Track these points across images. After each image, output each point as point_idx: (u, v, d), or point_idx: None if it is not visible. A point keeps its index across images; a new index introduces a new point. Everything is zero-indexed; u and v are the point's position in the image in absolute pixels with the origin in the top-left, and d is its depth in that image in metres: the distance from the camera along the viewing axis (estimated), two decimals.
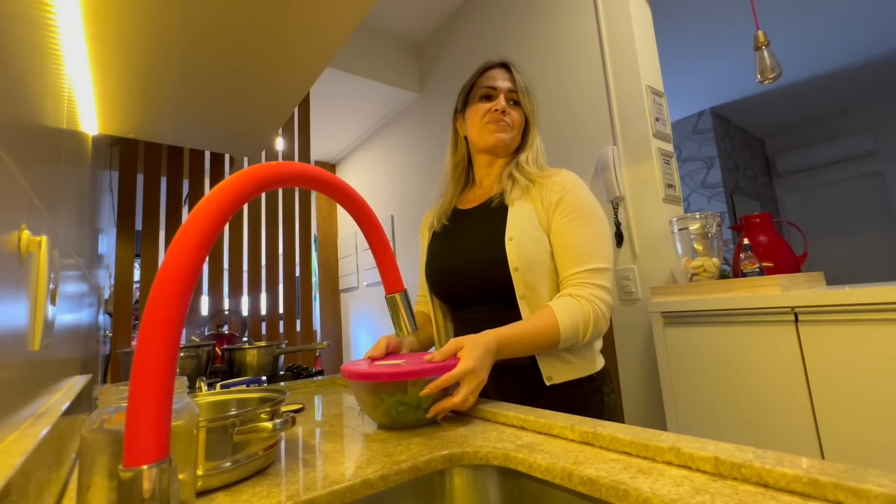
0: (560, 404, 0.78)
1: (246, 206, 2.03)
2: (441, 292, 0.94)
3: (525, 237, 0.83)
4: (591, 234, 0.82)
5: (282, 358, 1.41)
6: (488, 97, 0.93)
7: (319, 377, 1.12)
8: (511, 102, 0.92)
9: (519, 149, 0.95)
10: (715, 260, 1.33)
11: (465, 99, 0.97)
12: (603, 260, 0.81)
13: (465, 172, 1.01)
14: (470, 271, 0.88)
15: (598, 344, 0.87)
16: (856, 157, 4.16)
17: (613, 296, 1.57)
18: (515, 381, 0.84)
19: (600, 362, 0.86)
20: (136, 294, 1.79)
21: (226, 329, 1.69)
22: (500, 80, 0.93)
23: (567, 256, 0.81)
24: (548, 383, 0.80)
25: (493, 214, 0.89)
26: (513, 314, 0.82)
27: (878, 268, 3.99)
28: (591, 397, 0.83)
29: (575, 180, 0.87)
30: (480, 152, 0.96)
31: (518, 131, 0.93)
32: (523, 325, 0.75)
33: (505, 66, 0.96)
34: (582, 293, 0.78)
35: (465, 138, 0.99)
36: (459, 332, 0.93)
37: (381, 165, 3.16)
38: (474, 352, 0.65)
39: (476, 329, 0.87)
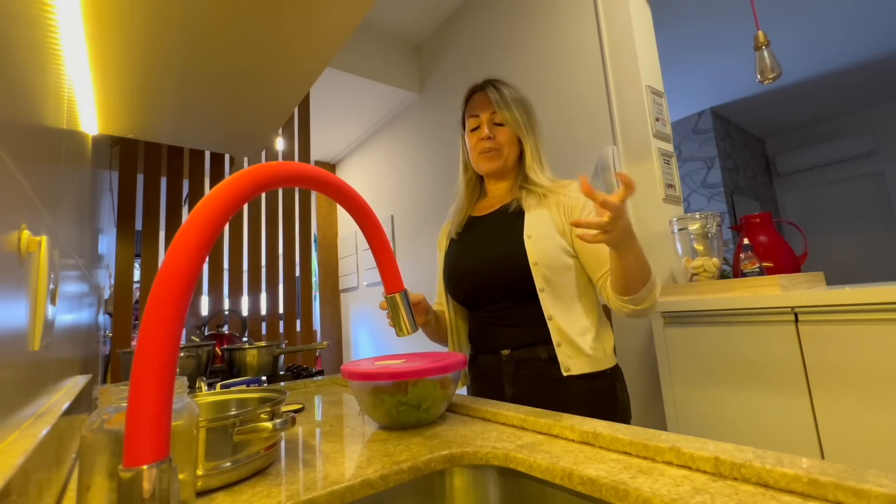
0: (573, 397, 0.83)
1: (246, 206, 2.03)
2: (459, 292, 0.97)
3: (543, 236, 0.87)
4: None
5: (282, 358, 1.40)
6: (476, 127, 0.97)
7: (319, 377, 1.12)
8: (494, 124, 0.96)
9: (522, 160, 0.99)
10: (715, 260, 1.33)
11: (462, 125, 1.03)
12: None
13: (477, 186, 1.07)
14: (489, 268, 0.92)
15: (612, 342, 0.89)
16: (856, 157, 4.16)
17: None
18: (531, 372, 0.87)
19: (614, 360, 0.88)
20: (136, 294, 1.79)
21: (226, 329, 1.69)
22: (481, 106, 0.97)
23: (605, 255, 0.84)
24: (565, 374, 0.83)
25: (511, 218, 0.94)
26: (530, 308, 0.87)
27: (878, 268, 3.99)
28: (605, 392, 0.85)
29: None
30: (485, 175, 1.02)
31: (510, 147, 0.96)
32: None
33: (484, 87, 0.99)
34: None
35: None
36: (476, 331, 0.97)
37: (381, 165, 3.15)
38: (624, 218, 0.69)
39: (493, 326, 0.93)
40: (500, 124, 0.96)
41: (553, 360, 0.84)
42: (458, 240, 1.01)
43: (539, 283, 0.85)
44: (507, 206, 0.96)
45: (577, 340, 0.83)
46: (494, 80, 0.99)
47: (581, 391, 0.83)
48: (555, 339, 0.84)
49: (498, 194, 1.01)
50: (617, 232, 0.67)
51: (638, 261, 0.75)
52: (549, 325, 0.84)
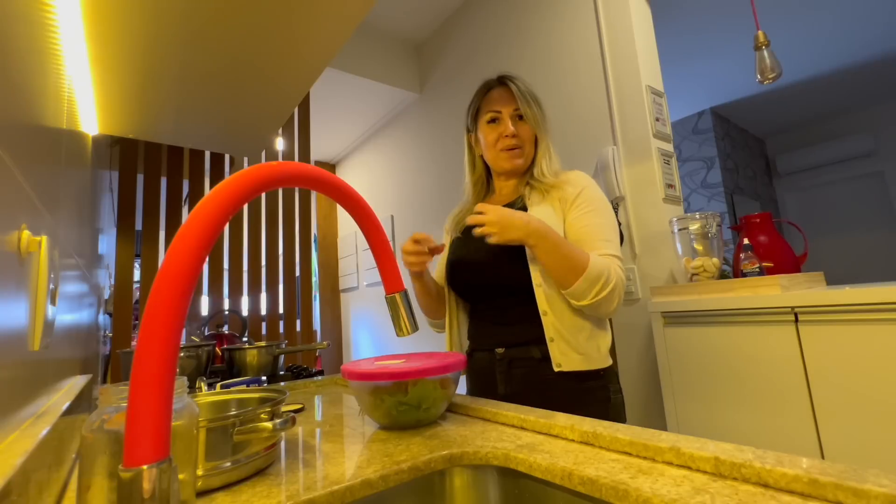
0: (565, 396, 0.83)
1: (246, 206, 2.03)
2: (460, 285, 0.98)
3: None
4: (607, 226, 0.88)
5: (282, 358, 1.40)
6: (495, 120, 0.96)
7: (319, 377, 1.12)
8: (518, 118, 0.95)
9: (533, 158, 0.99)
10: (715, 260, 1.33)
11: (475, 119, 1.01)
12: (617, 249, 0.87)
13: (485, 185, 1.07)
14: (490, 261, 0.92)
15: (607, 342, 0.89)
16: (856, 157, 4.15)
17: None
18: (524, 371, 0.88)
19: (609, 360, 0.88)
20: (136, 294, 1.79)
21: (226, 329, 1.68)
22: (503, 101, 0.96)
23: (584, 242, 0.86)
24: (556, 370, 0.83)
25: None
26: (527, 307, 0.87)
27: (878, 268, 3.98)
28: (597, 393, 0.86)
29: (589, 179, 0.93)
30: (498, 174, 1.01)
31: (531, 145, 0.97)
32: (563, 238, 0.82)
33: (503, 82, 0.98)
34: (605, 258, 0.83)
35: (481, 156, 1.03)
36: (475, 325, 0.98)
37: (381, 165, 3.15)
38: (500, 209, 0.81)
39: (491, 322, 0.94)
40: (522, 119, 0.95)
41: (546, 359, 0.85)
42: (464, 235, 1.01)
43: (536, 279, 0.86)
44: (512, 203, 0.96)
45: (571, 338, 0.84)
46: (510, 74, 0.98)
47: (572, 391, 0.83)
48: (548, 334, 0.84)
49: (506, 192, 1.01)
50: (497, 227, 0.79)
51: (554, 255, 0.80)
52: (544, 320, 0.85)
